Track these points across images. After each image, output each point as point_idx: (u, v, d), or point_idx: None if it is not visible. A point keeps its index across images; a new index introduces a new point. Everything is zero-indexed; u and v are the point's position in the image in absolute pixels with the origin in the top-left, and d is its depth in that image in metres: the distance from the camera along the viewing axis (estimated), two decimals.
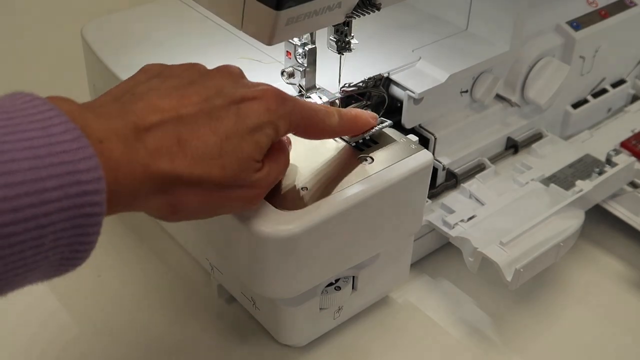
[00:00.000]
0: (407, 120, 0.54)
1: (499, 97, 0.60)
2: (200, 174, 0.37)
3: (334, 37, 0.49)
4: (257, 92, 0.40)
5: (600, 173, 0.59)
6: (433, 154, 0.56)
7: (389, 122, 0.49)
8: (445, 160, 0.57)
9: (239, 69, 0.42)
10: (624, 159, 0.61)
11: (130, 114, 0.36)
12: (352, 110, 0.46)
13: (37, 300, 0.55)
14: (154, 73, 0.40)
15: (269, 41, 0.42)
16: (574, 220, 0.56)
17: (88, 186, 0.31)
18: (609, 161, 0.61)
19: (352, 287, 0.50)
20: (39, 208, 0.30)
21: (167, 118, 0.36)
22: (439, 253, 0.60)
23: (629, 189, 0.61)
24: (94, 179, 0.31)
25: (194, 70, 0.41)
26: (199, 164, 0.37)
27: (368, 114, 0.47)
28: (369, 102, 0.53)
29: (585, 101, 0.68)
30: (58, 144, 0.31)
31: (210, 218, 0.44)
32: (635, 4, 0.68)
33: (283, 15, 0.40)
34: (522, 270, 0.50)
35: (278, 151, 0.42)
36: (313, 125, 0.43)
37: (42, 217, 0.30)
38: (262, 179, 0.40)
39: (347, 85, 0.52)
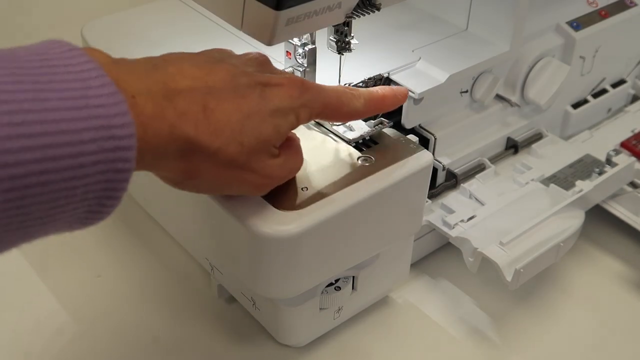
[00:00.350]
0: (407, 121, 0.54)
1: (499, 97, 0.60)
2: (219, 146, 0.37)
3: (334, 37, 0.49)
4: (281, 79, 0.41)
5: (600, 173, 0.59)
6: (433, 154, 0.56)
7: (388, 122, 0.49)
8: (445, 160, 0.57)
9: (266, 56, 0.43)
10: (624, 159, 0.61)
11: (161, 74, 0.36)
12: (380, 90, 0.46)
13: (37, 300, 0.55)
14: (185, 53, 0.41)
15: (269, 41, 0.42)
16: (574, 221, 0.56)
17: (122, 142, 0.31)
18: (609, 161, 0.61)
19: (352, 287, 0.50)
20: (76, 159, 0.30)
21: (196, 86, 0.37)
22: (439, 253, 0.60)
23: (629, 189, 0.61)
24: (127, 135, 0.32)
25: (224, 52, 0.42)
26: (219, 136, 0.37)
27: (397, 92, 0.47)
28: None
29: (585, 101, 0.68)
30: (95, 97, 0.31)
31: (210, 217, 0.44)
32: (635, 4, 0.68)
33: (283, 15, 0.40)
34: (522, 270, 0.50)
35: (295, 149, 0.43)
36: (337, 111, 0.43)
37: (78, 168, 0.30)
38: (276, 167, 0.41)
39: (347, 85, 0.52)
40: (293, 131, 0.43)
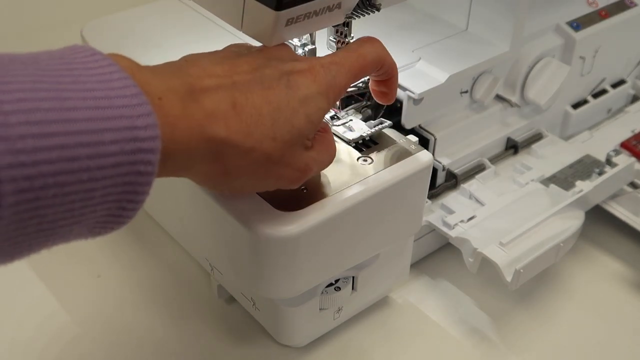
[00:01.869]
0: (407, 121, 0.54)
1: (499, 98, 0.60)
2: (252, 145, 0.36)
3: (334, 38, 0.49)
4: (303, 65, 0.40)
5: (600, 173, 0.59)
6: (433, 154, 0.56)
7: (388, 122, 0.49)
8: (445, 161, 0.57)
9: (288, 46, 0.42)
10: (624, 160, 0.61)
11: (185, 76, 0.36)
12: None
13: (37, 301, 0.55)
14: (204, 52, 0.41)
15: (269, 42, 0.42)
16: (574, 221, 0.56)
17: (144, 144, 0.30)
18: (609, 161, 0.61)
19: (352, 288, 0.50)
20: (95, 160, 0.29)
21: (222, 83, 0.36)
22: (439, 253, 0.60)
23: (629, 189, 0.61)
24: (150, 137, 0.31)
25: (242, 46, 0.42)
26: (252, 134, 0.36)
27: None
28: (369, 103, 0.53)
29: (585, 101, 0.68)
30: (117, 98, 0.30)
31: (211, 218, 0.44)
32: (635, 4, 0.68)
33: (283, 15, 0.40)
34: (522, 270, 0.50)
35: (328, 142, 0.42)
36: (366, 69, 0.42)
37: (96, 170, 0.29)
38: (310, 159, 0.40)
39: None
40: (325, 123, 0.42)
